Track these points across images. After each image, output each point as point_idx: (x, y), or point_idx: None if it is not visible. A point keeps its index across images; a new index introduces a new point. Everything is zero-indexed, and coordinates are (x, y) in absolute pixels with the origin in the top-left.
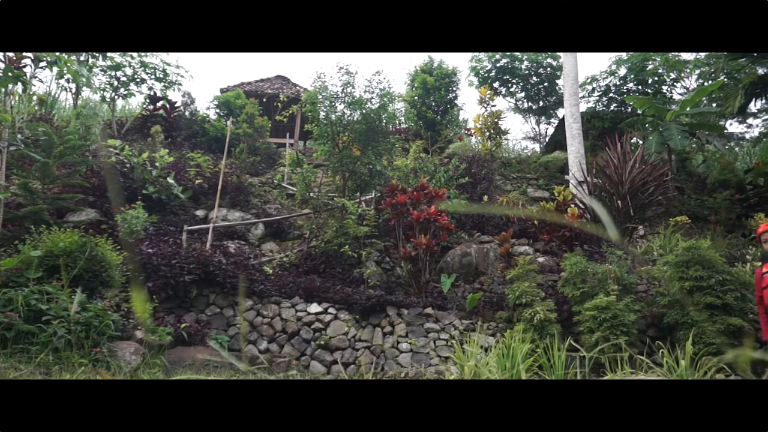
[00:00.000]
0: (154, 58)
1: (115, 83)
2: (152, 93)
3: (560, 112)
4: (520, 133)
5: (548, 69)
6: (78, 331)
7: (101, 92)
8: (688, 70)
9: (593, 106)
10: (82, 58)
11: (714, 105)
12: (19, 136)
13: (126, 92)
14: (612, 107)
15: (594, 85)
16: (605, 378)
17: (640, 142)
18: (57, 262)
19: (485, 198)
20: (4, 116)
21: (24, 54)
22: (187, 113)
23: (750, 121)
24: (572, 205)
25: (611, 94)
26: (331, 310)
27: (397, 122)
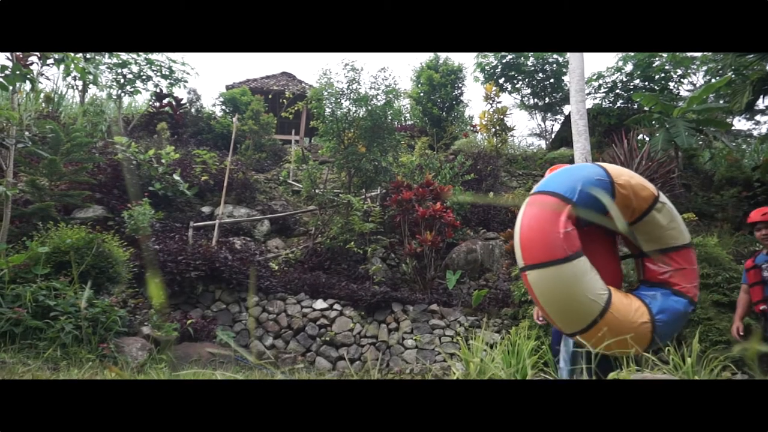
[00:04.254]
0: (159, 56)
1: (122, 80)
2: (158, 90)
3: (566, 109)
4: (526, 129)
5: (554, 65)
6: (85, 327)
7: (108, 89)
8: (695, 67)
9: (599, 102)
10: (88, 56)
11: (721, 102)
12: (26, 133)
13: (132, 89)
14: (618, 104)
15: (600, 81)
16: (611, 374)
17: (647, 138)
18: (64, 259)
19: (491, 195)
20: (12, 114)
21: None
22: (192, 110)
23: (758, 117)
24: None
25: (618, 91)
26: (336, 306)
27: (403, 119)
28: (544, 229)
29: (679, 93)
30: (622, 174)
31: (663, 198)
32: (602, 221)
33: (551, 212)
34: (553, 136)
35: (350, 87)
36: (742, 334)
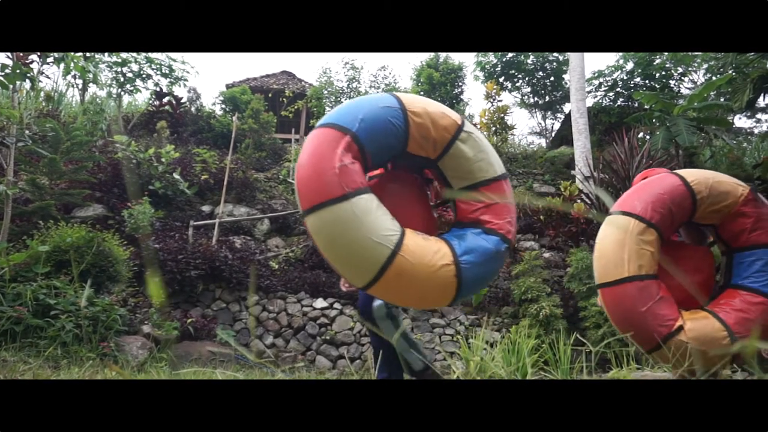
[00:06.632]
0: (159, 54)
1: (121, 79)
2: (158, 89)
3: (566, 107)
4: (526, 128)
5: (554, 64)
6: (86, 326)
7: (108, 88)
8: (695, 65)
9: (600, 100)
10: (88, 55)
11: (722, 99)
12: (27, 132)
13: (132, 88)
14: (619, 102)
15: (601, 79)
16: (611, 372)
17: (647, 137)
18: (65, 257)
19: None
20: (12, 112)
21: None
22: (192, 109)
23: (759, 115)
24: (578, 201)
25: (618, 89)
26: (336, 305)
27: None
28: (318, 165)
29: (679, 91)
30: (417, 101)
31: (469, 127)
32: (389, 153)
33: (326, 145)
34: (553, 134)
35: (350, 85)
36: None
